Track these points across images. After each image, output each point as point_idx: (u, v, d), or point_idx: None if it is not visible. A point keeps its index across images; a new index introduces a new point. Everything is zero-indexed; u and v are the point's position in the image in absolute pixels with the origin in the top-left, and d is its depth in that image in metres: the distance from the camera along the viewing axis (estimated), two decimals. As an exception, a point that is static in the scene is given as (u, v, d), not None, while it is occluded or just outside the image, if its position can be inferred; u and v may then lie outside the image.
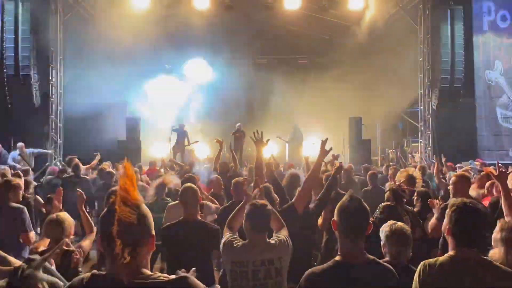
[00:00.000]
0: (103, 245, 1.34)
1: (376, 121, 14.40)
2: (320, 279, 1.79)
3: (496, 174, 2.95)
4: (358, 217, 1.86)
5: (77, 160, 6.82)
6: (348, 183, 6.15)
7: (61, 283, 1.88)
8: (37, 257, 1.93)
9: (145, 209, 1.37)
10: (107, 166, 7.07)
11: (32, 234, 3.65)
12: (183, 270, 1.53)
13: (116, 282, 1.28)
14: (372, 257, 1.86)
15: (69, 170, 6.73)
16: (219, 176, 5.10)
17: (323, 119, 14.32)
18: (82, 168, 6.77)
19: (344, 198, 1.93)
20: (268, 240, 2.43)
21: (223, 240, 2.48)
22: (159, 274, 1.35)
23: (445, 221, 1.99)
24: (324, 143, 3.50)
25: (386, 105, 13.14)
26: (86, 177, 6.54)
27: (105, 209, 1.38)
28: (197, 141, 11.76)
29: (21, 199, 3.93)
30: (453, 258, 1.85)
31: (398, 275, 1.87)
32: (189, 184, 3.16)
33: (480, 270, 1.80)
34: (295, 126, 12.80)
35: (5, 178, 4.13)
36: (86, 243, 2.96)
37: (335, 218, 1.90)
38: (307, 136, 13.19)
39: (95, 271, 1.38)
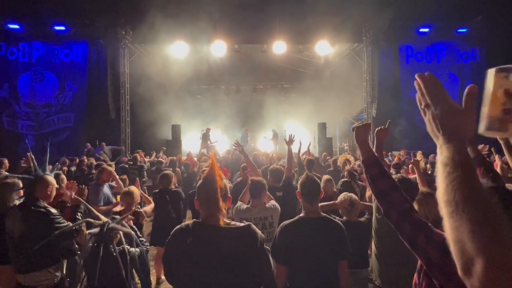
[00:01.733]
0: (201, 203, 1.32)
1: (336, 125, 14.36)
2: (290, 228, 1.78)
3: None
4: (312, 187, 1.85)
5: (137, 153, 6.90)
6: (318, 166, 6.09)
7: (133, 233, 1.91)
8: (117, 216, 1.98)
9: (225, 180, 1.40)
10: (164, 156, 7.09)
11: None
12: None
13: (213, 226, 1.28)
14: (324, 214, 1.85)
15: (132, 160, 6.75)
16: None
17: (301, 124, 14.32)
18: (144, 159, 6.82)
19: (303, 176, 1.91)
20: (264, 203, 2.42)
21: (235, 206, 2.48)
22: (234, 222, 1.36)
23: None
24: (290, 138, 3.43)
25: (342, 114, 13.09)
26: (143, 164, 6.52)
27: (200, 181, 1.36)
28: (216, 141, 11.83)
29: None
30: None
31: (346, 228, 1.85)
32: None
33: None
34: (273, 130, 12.83)
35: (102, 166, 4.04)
36: (148, 209, 2.96)
37: (298, 190, 1.88)
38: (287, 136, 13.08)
39: (195, 219, 1.36)
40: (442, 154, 0.58)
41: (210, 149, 12.05)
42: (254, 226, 1.35)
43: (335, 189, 3.30)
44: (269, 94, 14.67)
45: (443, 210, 0.53)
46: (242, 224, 1.33)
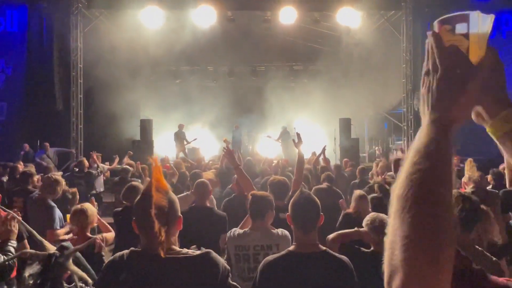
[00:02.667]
0: (139, 226, 1.38)
1: (364, 122, 14.43)
2: (274, 267, 1.76)
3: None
4: (307, 210, 1.83)
5: (91, 156, 6.95)
6: (338, 177, 6.13)
7: (90, 281, 1.85)
8: (69, 245, 1.92)
9: (173, 195, 1.45)
10: (131, 162, 7.13)
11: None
12: (194, 246, 1.55)
13: (153, 256, 1.32)
14: (324, 247, 1.82)
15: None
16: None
17: (316, 121, 14.38)
18: (99, 164, 6.85)
19: (296, 194, 1.91)
20: (269, 227, 2.41)
21: (227, 234, 2.50)
22: (186, 250, 1.40)
23: None
24: (299, 137, 3.44)
25: (373, 107, 13.16)
26: (92, 171, 6.51)
27: (139, 196, 1.41)
28: (195, 139, 11.89)
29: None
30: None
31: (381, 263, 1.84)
32: (202, 179, 3.28)
33: None
34: (283, 128, 12.84)
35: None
36: (109, 235, 2.96)
37: (289, 212, 1.87)
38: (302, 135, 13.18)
39: (133, 248, 1.42)
40: (419, 139, 0.59)
41: (194, 152, 12.15)
42: (215, 254, 1.38)
43: (370, 210, 3.30)
44: (273, 78, 14.77)
45: (391, 206, 0.55)
46: (197, 252, 1.37)
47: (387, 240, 0.54)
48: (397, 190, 0.56)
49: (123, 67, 11.00)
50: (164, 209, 1.33)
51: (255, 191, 2.57)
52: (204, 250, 1.41)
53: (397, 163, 4.83)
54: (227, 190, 4.81)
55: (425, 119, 0.61)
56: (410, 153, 0.58)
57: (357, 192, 3.42)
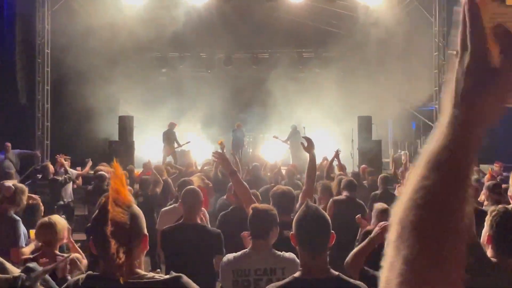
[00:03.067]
0: (97, 246, 1.41)
1: (387, 120, 14.41)
2: None
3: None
4: (315, 229, 1.82)
5: (58, 160, 6.93)
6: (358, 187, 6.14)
7: None
8: (36, 266, 1.92)
9: (137, 209, 1.45)
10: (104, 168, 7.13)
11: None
12: (158, 270, 1.57)
13: (111, 282, 1.33)
14: (337, 272, 1.82)
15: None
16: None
17: (330, 119, 14.36)
18: (66, 169, 6.87)
19: (300, 208, 1.90)
20: (272, 249, 2.41)
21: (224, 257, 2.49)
22: (153, 274, 1.43)
23: (485, 228, 1.95)
24: (309, 141, 3.55)
25: (399, 103, 13.15)
26: (58, 178, 6.47)
27: (97, 211, 1.44)
28: (188, 141, 11.91)
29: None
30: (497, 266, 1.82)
31: None
32: (192, 187, 3.23)
33: None
34: (293, 127, 12.84)
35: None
36: (83, 263, 2.92)
37: (293, 231, 1.88)
38: (311, 137, 13.20)
39: (90, 272, 1.46)
40: (430, 143, 0.52)
41: (184, 156, 12.17)
42: (186, 279, 1.39)
43: None
44: (278, 67, 14.82)
45: (389, 232, 0.52)
46: (166, 277, 1.39)
47: (382, 276, 0.51)
48: (397, 212, 0.52)
49: (99, 53, 11.05)
50: (124, 226, 1.34)
51: (257, 205, 2.55)
52: (174, 274, 1.41)
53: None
54: (221, 201, 4.81)
55: (443, 117, 0.53)
56: (417, 163, 0.53)
57: (379, 206, 3.39)
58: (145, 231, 1.45)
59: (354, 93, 13.01)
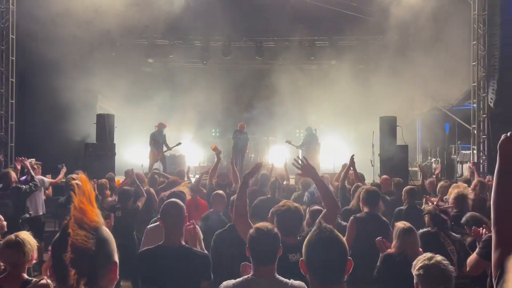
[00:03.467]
0: (56, 276, 1.40)
1: (415, 122, 14.44)
2: None
3: None
4: (329, 255, 1.84)
5: (19, 164, 6.90)
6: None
7: None
8: None
9: (106, 232, 1.45)
10: (81, 176, 7.15)
11: None
12: None
13: None
14: None
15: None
16: (222, 192, 5.16)
17: (346, 119, 14.41)
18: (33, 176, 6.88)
19: (312, 230, 1.92)
20: (277, 276, 2.44)
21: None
22: None
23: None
24: (304, 167, 3.41)
25: (429, 101, 13.19)
26: (21, 186, 6.34)
27: (58, 233, 1.44)
28: (179, 143, 11.99)
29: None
30: None
31: None
32: (173, 200, 3.17)
33: None
34: (308, 129, 12.87)
35: None
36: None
37: (303, 257, 1.90)
38: (325, 141, 13.28)
39: None
40: None
41: (176, 162, 12.22)
42: None
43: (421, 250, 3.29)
44: (286, 58, 14.91)
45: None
46: None
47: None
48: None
49: (74, 40, 11.17)
50: (87, 253, 1.34)
51: (260, 225, 2.57)
52: None
53: (461, 197, 4.79)
54: (214, 215, 4.82)
55: None
56: None
57: (401, 226, 3.41)
58: (115, 258, 1.45)
59: (376, 89, 13.05)
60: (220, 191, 5.18)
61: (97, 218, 1.40)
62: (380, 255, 3.52)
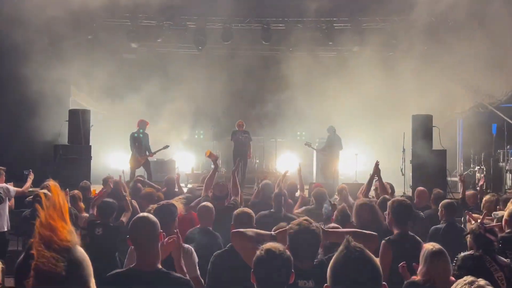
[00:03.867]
0: None
1: (456, 121, 14.38)
2: None
3: None
4: (361, 280, 1.87)
5: None
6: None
7: None
8: None
9: (80, 254, 1.42)
10: (52, 184, 7.16)
11: None
12: None
13: None
14: None
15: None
16: (210, 205, 5.16)
17: (371, 118, 14.37)
18: None
19: (339, 251, 1.94)
20: None
21: None
22: None
23: None
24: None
25: (472, 96, 13.13)
26: None
27: (22, 255, 1.44)
28: (166, 146, 11.99)
29: None
30: None
31: None
32: (143, 215, 3.17)
33: None
34: (330, 129, 12.83)
35: None
36: None
37: (328, 282, 1.93)
38: (347, 143, 13.26)
39: None
40: None
41: (164, 168, 12.18)
42: None
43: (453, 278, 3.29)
44: (299, 44, 14.88)
45: None
46: None
47: None
48: None
49: (42, 22, 11.19)
50: (55, 279, 1.33)
51: (271, 246, 2.57)
52: None
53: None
54: (205, 234, 4.82)
55: None
56: None
57: (429, 247, 3.39)
58: (91, 284, 1.44)
59: (407, 81, 13.00)
60: (208, 204, 5.18)
61: (69, 237, 1.38)
62: (404, 282, 3.52)
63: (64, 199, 1.42)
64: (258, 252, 2.54)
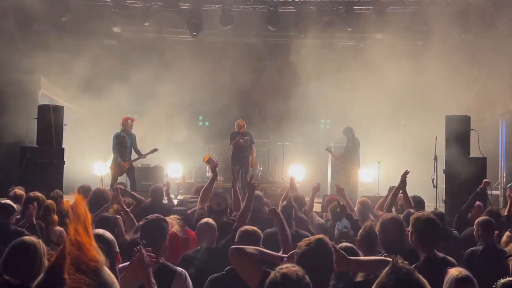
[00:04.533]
0: None
1: (499, 123, 14.33)
2: None
3: None
4: None
5: None
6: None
7: None
8: None
9: (108, 276, 1.46)
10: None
11: None
12: None
13: None
14: None
15: None
16: (211, 222, 5.16)
17: (395, 118, 14.32)
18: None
19: (384, 272, 1.97)
20: None
21: None
22: None
23: None
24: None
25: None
26: None
27: (41, 277, 1.44)
28: (155, 149, 11.96)
29: None
30: None
31: None
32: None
33: None
34: (347, 132, 12.80)
35: None
36: None
37: None
38: (367, 148, 13.25)
39: None
40: None
41: (151, 175, 12.17)
42: None
43: None
44: (311, 29, 14.90)
45: None
46: None
47: None
48: None
49: (7, 1, 11.24)
50: None
51: (289, 269, 2.58)
52: None
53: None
54: (202, 253, 4.83)
55: None
56: None
57: (454, 273, 3.40)
58: None
59: (439, 76, 12.98)
60: (208, 220, 5.17)
61: (98, 256, 1.39)
62: None
63: (87, 211, 1.42)
64: (272, 275, 2.56)
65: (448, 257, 4.35)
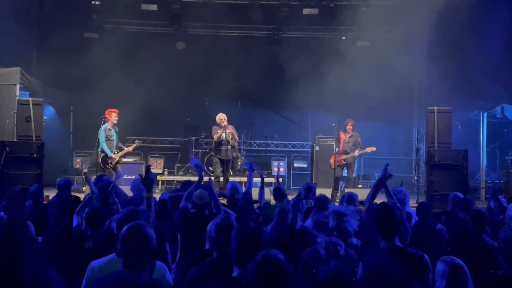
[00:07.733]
0: None
1: (480, 115, 14.41)
2: None
3: None
4: None
5: None
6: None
7: None
8: None
9: None
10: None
11: None
12: None
13: None
14: None
15: None
16: None
17: (377, 111, 14.36)
18: None
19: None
20: None
21: None
22: None
23: None
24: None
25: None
26: None
27: None
28: (138, 141, 11.91)
29: None
30: None
31: None
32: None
33: None
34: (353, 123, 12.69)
35: None
36: None
37: None
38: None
39: None
40: None
41: (128, 173, 12.10)
42: None
43: None
44: (295, 23, 14.82)
45: None
46: None
47: None
48: None
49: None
50: None
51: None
52: None
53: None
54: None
55: None
56: None
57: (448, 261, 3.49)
58: None
59: (422, 69, 13.03)
60: None
61: None
62: None
63: None
64: None
65: (409, 248, 4.13)
